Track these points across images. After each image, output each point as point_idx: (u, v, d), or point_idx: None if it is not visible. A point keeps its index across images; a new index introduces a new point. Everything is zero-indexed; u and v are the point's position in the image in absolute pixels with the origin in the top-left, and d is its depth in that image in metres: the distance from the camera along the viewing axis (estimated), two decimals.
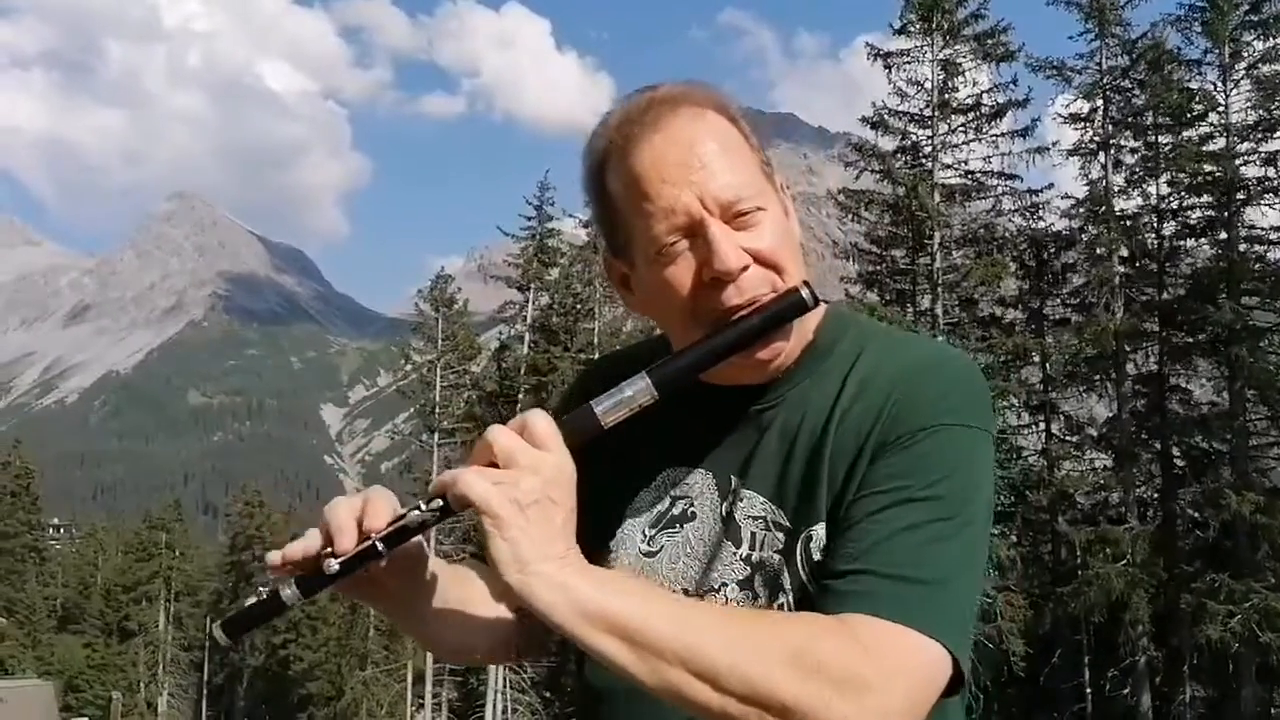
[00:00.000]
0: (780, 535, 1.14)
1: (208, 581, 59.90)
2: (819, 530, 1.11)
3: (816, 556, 1.11)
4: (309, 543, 1.05)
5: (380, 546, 1.03)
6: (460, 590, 1.23)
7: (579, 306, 34.40)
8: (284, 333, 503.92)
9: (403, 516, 1.04)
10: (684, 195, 1.10)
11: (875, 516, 1.06)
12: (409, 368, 36.94)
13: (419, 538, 1.09)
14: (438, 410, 33.61)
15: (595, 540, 1.15)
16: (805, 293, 1.11)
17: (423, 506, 1.03)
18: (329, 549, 1.04)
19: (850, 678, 0.95)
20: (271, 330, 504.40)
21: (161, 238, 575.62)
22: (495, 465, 1.01)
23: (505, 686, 30.28)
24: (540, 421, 1.02)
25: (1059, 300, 27.87)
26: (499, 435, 1.01)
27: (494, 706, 30.25)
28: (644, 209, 1.12)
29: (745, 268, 1.11)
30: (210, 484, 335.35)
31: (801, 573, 1.12)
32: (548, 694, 30.92)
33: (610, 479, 1.22)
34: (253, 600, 1.06)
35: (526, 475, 0.99)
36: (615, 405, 1.08)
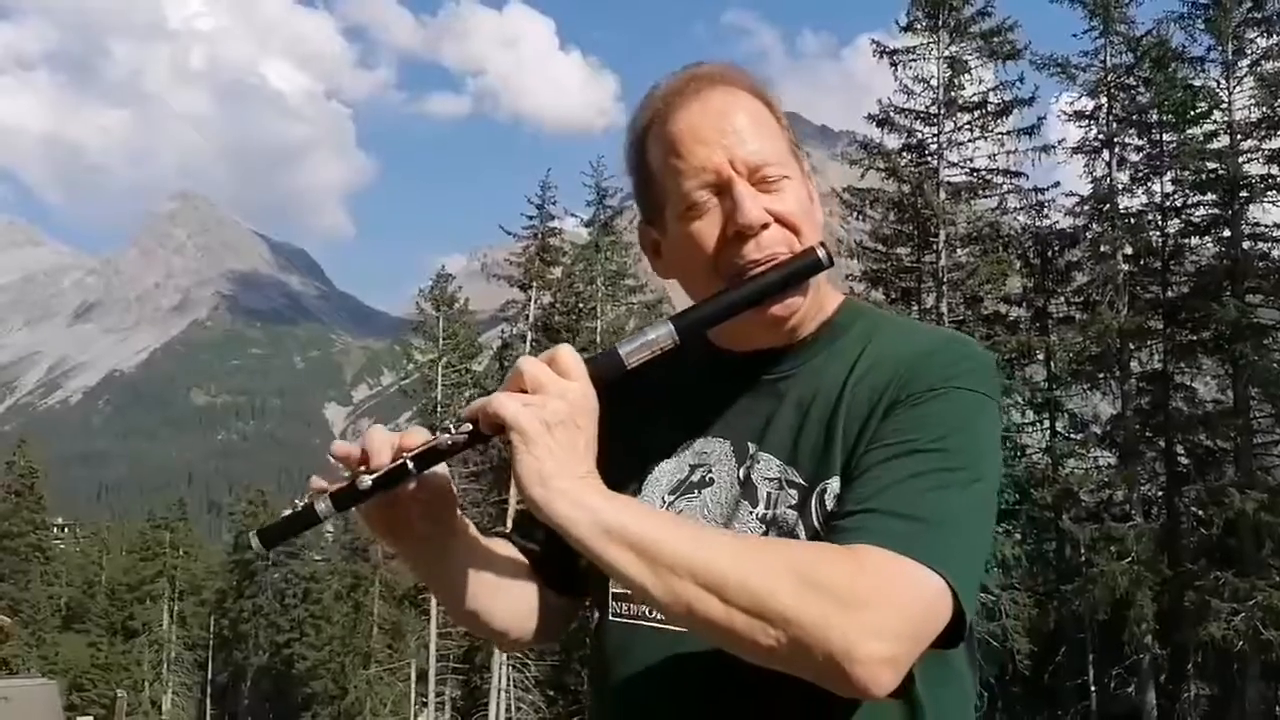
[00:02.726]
0: (794, 492, 1.19)
1: (212, 580, 59.93)
2: (833, 483, 1.16)
3: (830, 506, 1.15)
4: (349, 455, 1.12)
5: (411, 465, 1.09)
6: (487, 551, 1.29)
7: (581, 305, 34.40)
8: (288, 332, 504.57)
9: (434, 439, 1.11)
10: (715, 155, 1.18)
11: (882, 465, 1.11)
12: (411, 367, 36.94)
13: (448, 476, 1.18)
14: (440, 409, 33.60)
15: None
16: (821, 252, 1.18)
17: (453, 430, 1.10)
18: (364, 467, 1.10)
19: (850, 595, 0.99)
20: (275, 329, 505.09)
21: (165, 237, 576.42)
22: (524, 392, 1.07)
23: (509, 685, 30.28)
24: (567, 354, 1.10)
25: (1063, 298, 27.84)
26: (528, 364, 1.08)
27: (497, 705, 30.24)
28: (676, 167, 1.20)
29: (766, 225, 1.18)
30: (214, 483, 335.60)
31: (816, 523, 1.16)
32: (551, 692, 30.92)
33: (632, 454, 1.27)
34: (289, 512, 1.11)
35: (553, 399, 1.06)
36: (639, 347, 1.14)
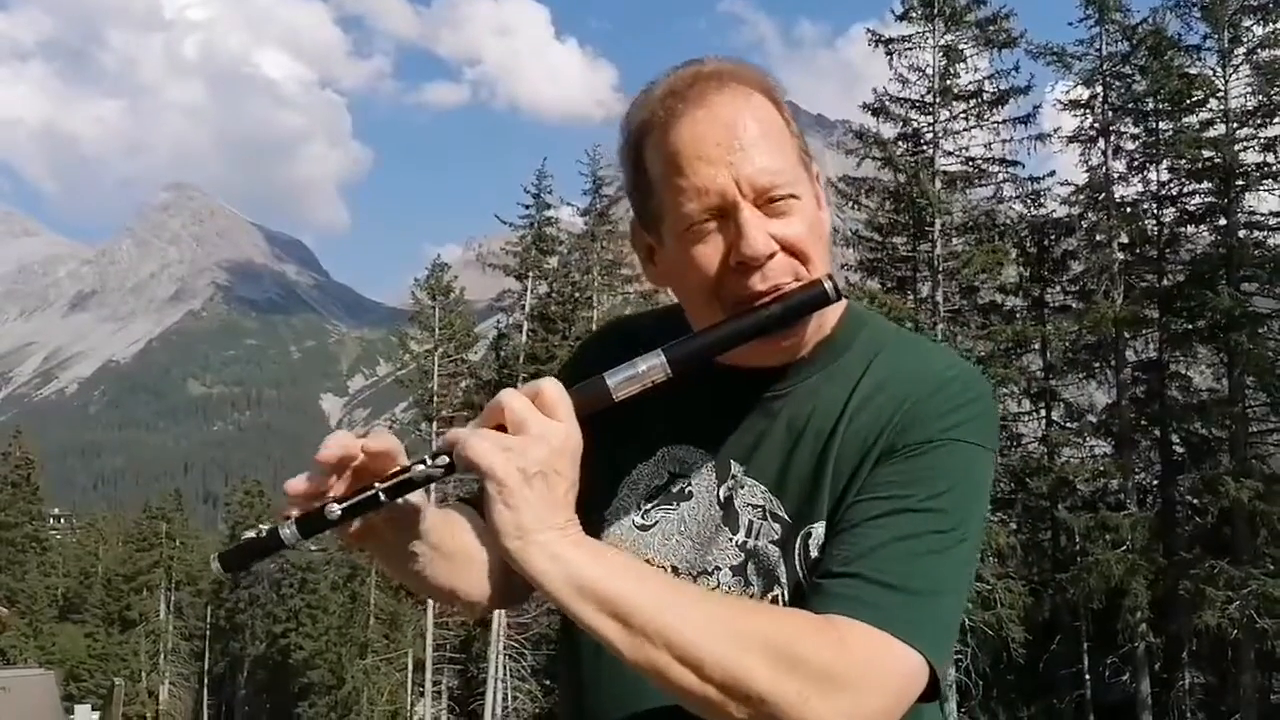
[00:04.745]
0: (778, 527, 1.16)
1: (208, 571, 59.84)
2: (819, 529, 1.13)
3: (814, 554, 1.12)
4: (316, 482, 1.07)
5: (383, 496, 1.05)
6: (454, 540, 1.23)
7: (577, 295, 34.34)
8: (283, 322, 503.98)
9: (408, 469, 1.05)
10: (720, 175, 1.10)
11: (873, 522, 1.08)
12: (407, 357, 36.90)
13: (420, 493, 1.11)
14: (436, 399, 33.59)
15: (591, 508, 1.15)
16: (828, 285, 1.11)
17: (428, 461, 1.05)
18: (332, 494, 1.06)
19: (828, 677, 0.97)
20: (271, 320, 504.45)
21: (160, 227, 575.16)
22: (503, 427, 1.02)
23: (506, 675, 30.33)
24: (552, 389, 1.03)
25: (1059, 287, 27.83)
26: (512, 400, 1.02)
27: (494, 694, 30.30)
28: (678, 185, 1.12)
29: (772, 254, 1.11)
30: (210, 474, 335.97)
31: (799, 569, 1.13)
32: (547, 682, 30.97)
33: (611, 449, 1.22)
34: (251, 535, 1.07)
35: (535, 444, 1.00)
36: (628, 380, 1.08)
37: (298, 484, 1.07)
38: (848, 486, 1.11)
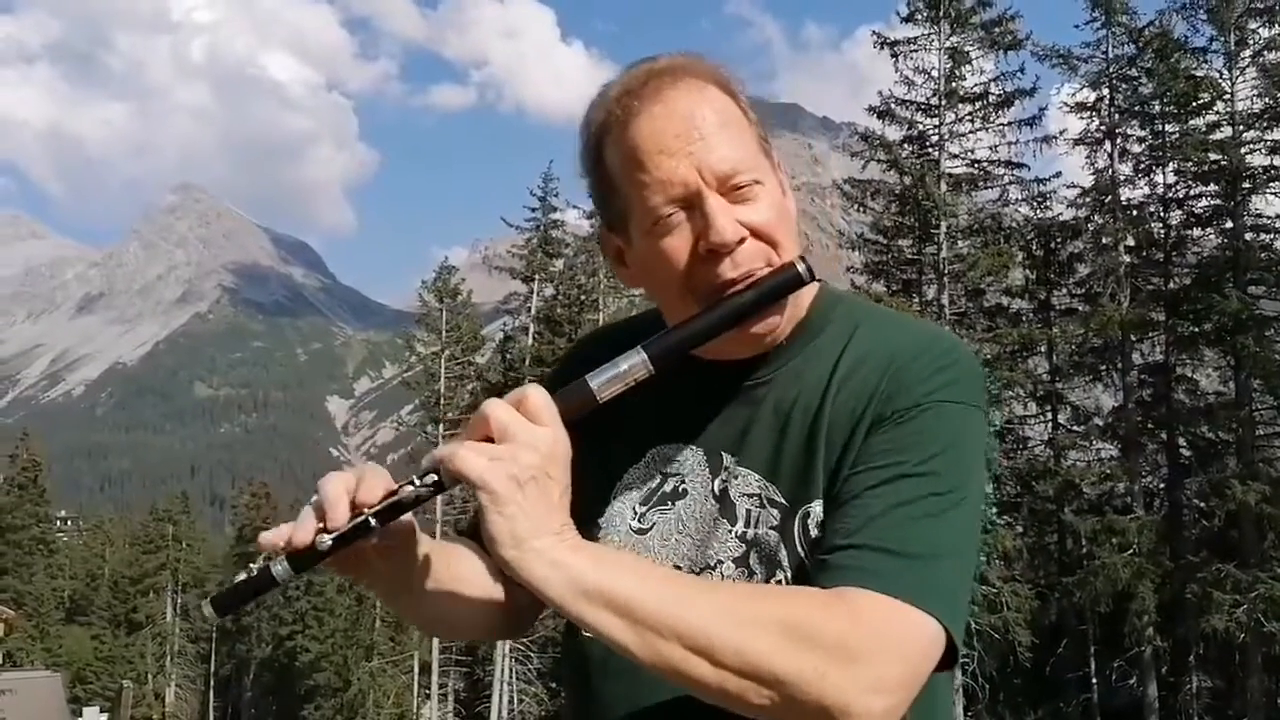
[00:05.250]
0: (775, 512, 1.14)
1: (214, 573, 59.97)
2: (816, 507, 1.12)
3: (814, 533, 1.11)
4: (303, 522, 1.03)
5: (373, 522, 1.03)
6: (450, 570, 1.22)
7: (583, 297, 34.36)
8: (290, 325, 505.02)
9: (396, 492, 1.04)
10: (681, 166, 1.10)
11: (870, 492, 1.07)
12: (414, 359, 36.92)
13: (410, 517, 1.10)
14: (443, 401, 33.60)
15: (584, 517, 1.14)
16: (801, 267, 1.11)
17: (416, 482, 1.03)
18: (322, 525, 1.03)
19: (844, 650, 0.95)
20: (277, 322, 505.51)
21: (166, 230, 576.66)
22: (491, 439, 1.00)
23: (512, 678, 30.32)
24: (537, 396, 1.01)
25: (1065, 290, 27.78)
26: (496, 410, 1.00)
27: (500, 697, 30.29)
28: (641, 180, 1.11)
29: (741, 240, 1.11)
30: (217, 476, 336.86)
31: (800, 550, 1.12)
32: (554, 685, 30.96)
33: (600, 455, 1.21)
34: (243, 576, 1.05)
35: (523, 451, 0.98)
36: (610, 380, 1.07)
37: (283, 533, 1.04)
38: (841, 459, 1.11)
